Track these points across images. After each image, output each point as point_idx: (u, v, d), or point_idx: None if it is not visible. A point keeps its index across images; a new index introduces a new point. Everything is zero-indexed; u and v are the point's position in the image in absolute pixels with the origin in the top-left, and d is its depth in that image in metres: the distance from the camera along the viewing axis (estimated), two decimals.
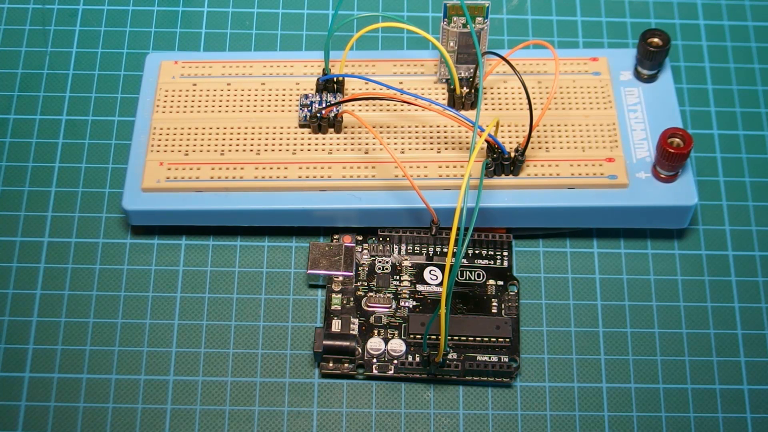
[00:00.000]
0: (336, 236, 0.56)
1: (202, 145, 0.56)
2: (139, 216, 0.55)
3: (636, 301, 0.55)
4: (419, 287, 0.54)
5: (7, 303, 0.54)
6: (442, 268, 0.55)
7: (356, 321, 0.53)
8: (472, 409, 0.52)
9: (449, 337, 0.52)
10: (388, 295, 0.54)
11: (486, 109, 0.57)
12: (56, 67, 0.61)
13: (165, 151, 0.55)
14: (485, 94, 0.57)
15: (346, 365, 0.52)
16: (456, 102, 0.56)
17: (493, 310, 0.54)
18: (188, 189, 0.54)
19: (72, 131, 0.59)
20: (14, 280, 0.55)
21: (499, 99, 0.57)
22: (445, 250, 0.55)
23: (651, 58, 0.57)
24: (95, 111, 0.60)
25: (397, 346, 0.52)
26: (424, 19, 0.64)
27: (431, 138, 0.56)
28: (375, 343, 0.52)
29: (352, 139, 0.56)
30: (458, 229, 0.45)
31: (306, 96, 0.57)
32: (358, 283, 0.54)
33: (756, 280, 0.56)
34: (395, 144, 0.56)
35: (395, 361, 0.52)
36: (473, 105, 0.57)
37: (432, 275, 0.55)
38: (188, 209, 0.54)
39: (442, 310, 0.47)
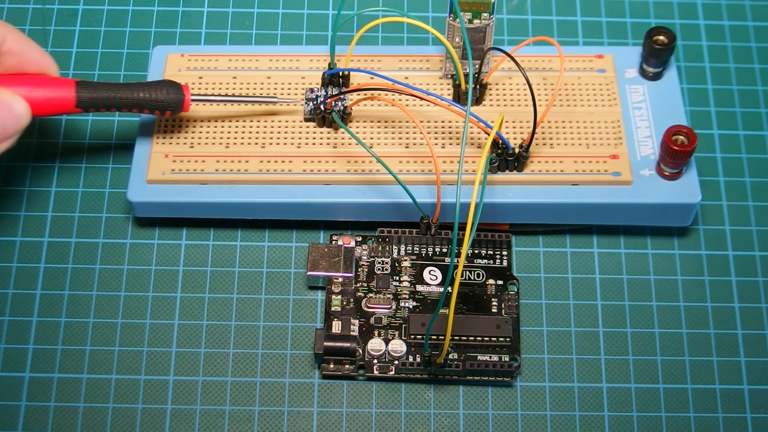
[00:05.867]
0: (335, 237, 0.56)
1: (207, 138, 0.56)
2: (144, 208, 0.55)
3: (636, 301, 0.55)
4: (419, 287, 0.54)
5: (7, 303, 0.54)
6: (441, 268, 0.55)
7: (356, 322, 0.53)
8: (472, 409, 0.52)
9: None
10: (388, 295, 0.54)
11: (491, 105, 0.57)
12: None
13: (170, 144, 0.56)
14: (490, 90, 0.57)
15: (347, 366, 0.52)
16: (461, 97, 0.56)
17: (493, 310, 0.54)
18: (193, 181, 0.55)
19: (72, 131, 0.59)
20: (14, 280, 0.55)
21: (504, 95, 0.58)
22: (444, 249, 0.55)
23: (656, 56, 0.57)
24: None
25: (398, 346, 0.52)
26: (424, 19, 0.64)
27: (436, 133, 0.56)
28: (376, 344, 0.52)
29: (357, 133, 0.56)
30: (463, 225, 0.46)
31: (311, 90, 0.57)
32: (358, 284, 0.54)
33: (756, 280, 0.56)
34: (399, 139, 0.56)
35: (396, 362, 0.52)
36: (478, 100, 0.57)
37: (432, 275, 0.55)
38: (193, 201, 0.54)
39: (451, 312, 0.47)
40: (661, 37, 0.57)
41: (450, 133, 0.56)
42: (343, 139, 0.56)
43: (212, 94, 0.55)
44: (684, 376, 0.53)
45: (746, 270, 0.56)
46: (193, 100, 0.54)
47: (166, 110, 0.53)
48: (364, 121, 0.56)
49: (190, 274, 0.55)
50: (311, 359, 0.53)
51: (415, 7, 0.65)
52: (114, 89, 0.52)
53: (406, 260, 0.55)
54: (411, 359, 0.52)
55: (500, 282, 0.55)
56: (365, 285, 0.54)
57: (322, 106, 0.55)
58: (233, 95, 0.56)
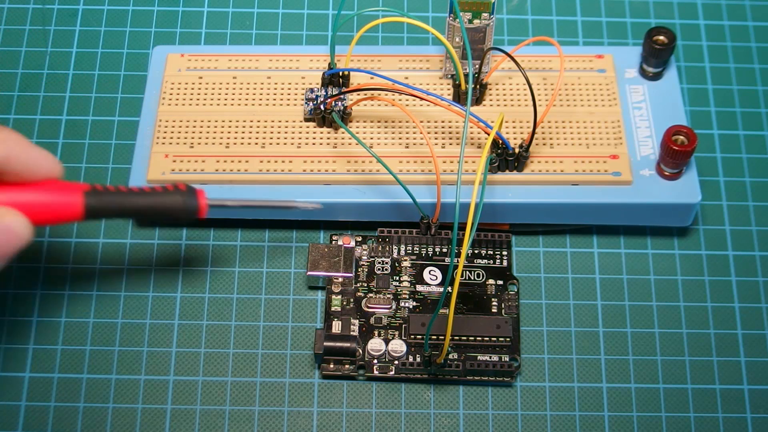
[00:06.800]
0: (335, 237, 0.56)
1: (207, 138, 0.56)
2: None
3: (636, 301, 0.55)
4: (419, 287, 0.54)
5: (7, 303, 0.54)
6: (441, 268, 0.55)
7: (356, 322, 0.53)
8: (472, 409, 0.52)
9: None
10: (388, 295, 0.54)
11: (491, 105, 0.57)
12: (56, 67, 0.61)
13: (170, 144, 0.56)
14: (490, 90, 0.58)
15: (347, 366, 0.52)
16: (461, 97, 0.56)
17: (493, 310, 0.54)
18: (193, 181, 0.55)
19: (72, 131, 0.59)
20: (14, 280, 0.55)
21: (504, 95, 0.58)
22: (444, 249, 0.55)
23: (656, 56, 0.57)
24: (95, 111, 0.60)
25: (398, 346, 0.52)
26: (424, 19, 0.64)
27: (436, 133, 0.56)
28: (376, 344, 0.52)
29: (357, 133, 0.56)
30: (463, 225, 0.46)
31: (311, 90, 0.57)
32: (358, 284, 0.54)
33: (756, 280, 0.56)
34: (399, 139, 0.56)
35: (396, 362, 0.52)
36: (478, 100, 0.57)
37: (432, 275, 0.55)
38: None
39: (451, 312, 0.47)
40: (661, 37, 0.57)
41: (450, 133, 0.56)
42: (343, 139, 0.56)
43: (229, 200, 0.50)
44: (684, 376, 0.53)
45: (746, 270, 0.56)
46: (210, 207, 0.48)
47: (180, 218, 0.48)
48: (364, 121, 0.56)
49: (190, 274, 0.55)
50: (311, 359, 0.53)
51: (415, 7, 0.65)
52: (125, 197, 0.46)
53: (406, 260, 0.55)
54: (411, 359, 0.52)
55: (500, 282, 0.55)
56: (365, 285, 0.54)
57: (322, 106, 0.55)
58: (250, 200, 0.51)
